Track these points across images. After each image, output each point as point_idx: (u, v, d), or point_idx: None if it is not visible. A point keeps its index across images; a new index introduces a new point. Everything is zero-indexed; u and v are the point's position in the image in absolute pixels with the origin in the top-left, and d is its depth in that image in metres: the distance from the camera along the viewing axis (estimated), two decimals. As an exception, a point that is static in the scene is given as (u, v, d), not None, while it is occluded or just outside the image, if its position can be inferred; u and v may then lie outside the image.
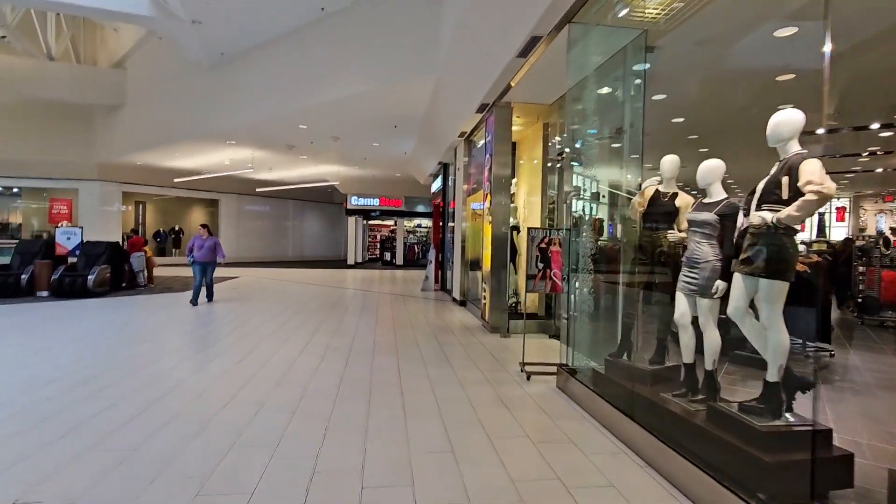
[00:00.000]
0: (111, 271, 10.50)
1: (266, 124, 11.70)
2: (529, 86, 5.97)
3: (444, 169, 12.73)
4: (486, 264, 7.12)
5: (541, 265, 4.71)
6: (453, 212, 10.92)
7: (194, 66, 12.63)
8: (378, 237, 27.80)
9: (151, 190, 20.24)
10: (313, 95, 9.71)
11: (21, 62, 14.92)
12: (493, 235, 6.89)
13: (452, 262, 10.97)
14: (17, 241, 12.35)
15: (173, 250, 21.88)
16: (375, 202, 22.22)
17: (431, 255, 12.55)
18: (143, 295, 10.38)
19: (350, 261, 22.54)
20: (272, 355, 5.33)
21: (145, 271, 11.59)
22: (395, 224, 24.46)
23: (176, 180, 18.56)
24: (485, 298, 7.18)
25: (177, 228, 22.06)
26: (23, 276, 9.71)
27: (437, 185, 14.08)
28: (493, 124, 6.96)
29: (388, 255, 24.92)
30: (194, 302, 8.82)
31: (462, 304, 9.64)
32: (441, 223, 13.03)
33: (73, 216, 19.33)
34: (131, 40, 15.24)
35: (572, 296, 4.51)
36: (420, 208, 24.38)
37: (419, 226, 26.73)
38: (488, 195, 7.11)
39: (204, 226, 9.23)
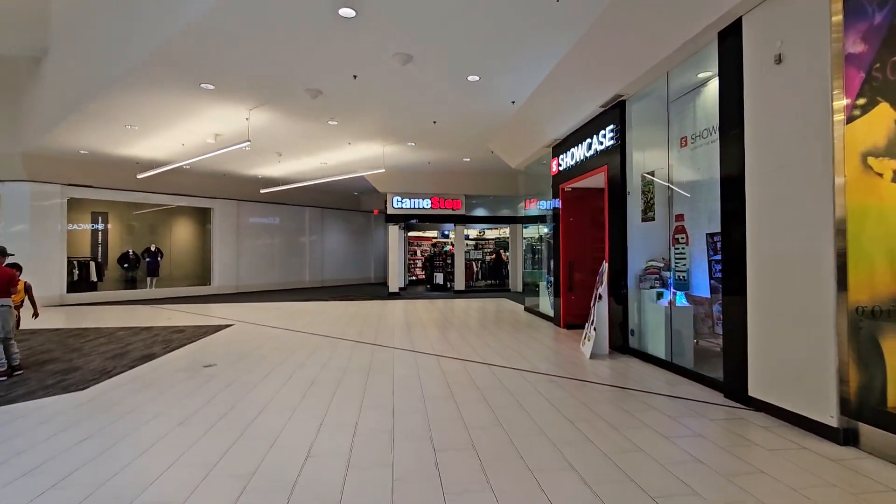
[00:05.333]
0: None
1: (270, 10, 5.54)
2: None
3: (621, 113, 6.48)
4: None
5: None
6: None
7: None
8: (419, 252, 21.51)
9: (110, 195, 14.22)
10: None
11: None
12: None
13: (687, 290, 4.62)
14: None
15: (149, 280, 15.78)
16: (426, 203, 15.96)
17: (604, 286, 6.19)
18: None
19: (392, 286, 16.25)
20: None
21: (12, 341, 5.30)
22: (450, 235, 18.22)
23: (140, 176, 12.47)
24: None
25: (153, 249, 15.99)
26: None
27: (576, 155, 7.81)
28: None
29: (438, 277, 18.60)
30: None
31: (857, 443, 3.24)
32: (619, 220, 6.72)
33: (-4, 235, 13.36)
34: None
35: None
36: (480, 212, 18.12)
37: (467, 237, 20.37)
38: None
39: None
